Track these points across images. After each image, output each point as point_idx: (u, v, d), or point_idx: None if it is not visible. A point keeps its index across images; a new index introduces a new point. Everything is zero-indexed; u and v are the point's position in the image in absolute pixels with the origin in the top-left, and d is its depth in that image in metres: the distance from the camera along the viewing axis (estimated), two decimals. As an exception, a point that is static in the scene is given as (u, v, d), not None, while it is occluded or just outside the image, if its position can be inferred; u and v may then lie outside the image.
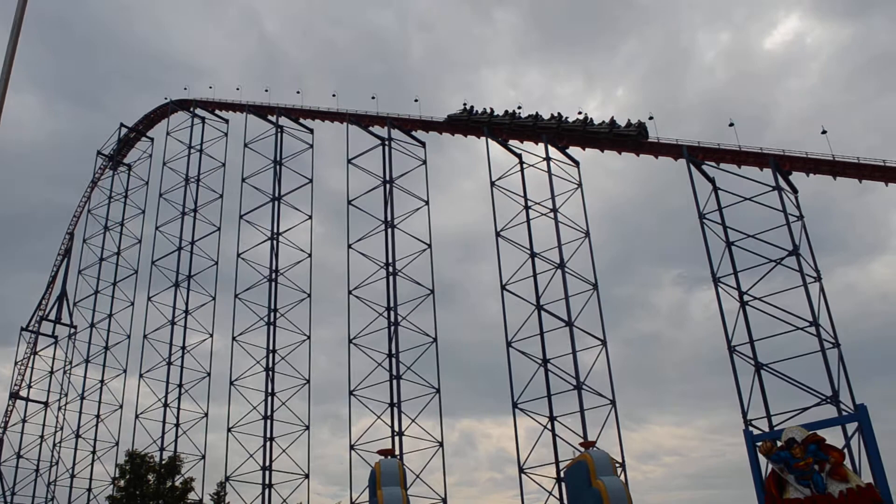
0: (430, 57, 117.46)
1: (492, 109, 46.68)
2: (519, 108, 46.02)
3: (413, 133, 50.54)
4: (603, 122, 42.55)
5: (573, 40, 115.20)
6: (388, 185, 48.39)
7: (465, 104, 47.78)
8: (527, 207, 44.71)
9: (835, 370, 31.51)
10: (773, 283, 35.54)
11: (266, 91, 60.13)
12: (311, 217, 53.91)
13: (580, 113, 44.15)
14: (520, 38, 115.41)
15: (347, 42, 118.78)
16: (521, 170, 45.92)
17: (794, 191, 37.17)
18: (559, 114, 44.41)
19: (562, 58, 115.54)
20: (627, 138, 41.26)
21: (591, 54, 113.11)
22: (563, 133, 42.92)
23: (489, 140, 45.97)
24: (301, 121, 56.56)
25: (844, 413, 30.30)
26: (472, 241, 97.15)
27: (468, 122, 46.39)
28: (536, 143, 45.10)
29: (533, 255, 42.93)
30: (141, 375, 53.54)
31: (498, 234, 43.15)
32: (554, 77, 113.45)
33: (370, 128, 51.54)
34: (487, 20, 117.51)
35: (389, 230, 47.00)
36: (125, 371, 58.03)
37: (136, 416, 52.77)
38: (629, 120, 41.74)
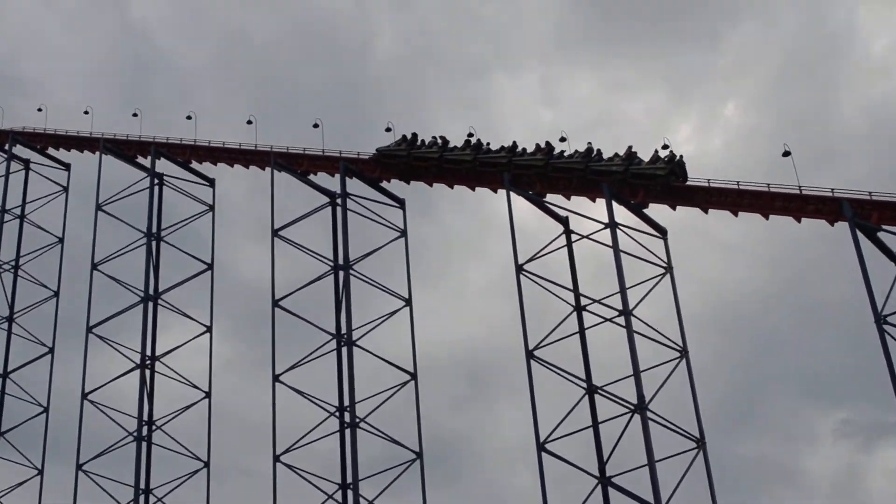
0: (407, 55, 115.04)
1: (443, 139, 48.46)
2: (563, 139, 46.50)
3: (383, 184, 51.02)
4: (616, 154, 44.28)
5: (646, 25, 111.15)
6: (341, 274, 48.44)
7: (406, 135, 49.58)
8: (579, 309, 45.05)
9: None
10: None
11: (135, 116, 58.15)
12: (209, 329, 53.71)
13: (665, 147, 44.39)
14: (559, 22, 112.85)
15: (269, 34, 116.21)
16: (569, 244, 46.57)
17: None
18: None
19: (629, 54, 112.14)
20: (653, 180, 43.02)
21: (678, 48, 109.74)
22: (627, 179, 44.42)
23: (511, 193, 46.36)
24: (194, 165, 56.69)
25: None
26: (486, 368, 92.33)
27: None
28: (594, 200, 45.64)
29: (591, 391, 42.98)
30: None
31: (530, 355, 43.04)
32: (616, 86, 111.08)
33: (310, 175, 51.80)
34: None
35: (344, 349, 46.81)
36: None
37: None
38: (656, 152, 43.48)
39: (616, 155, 44.25)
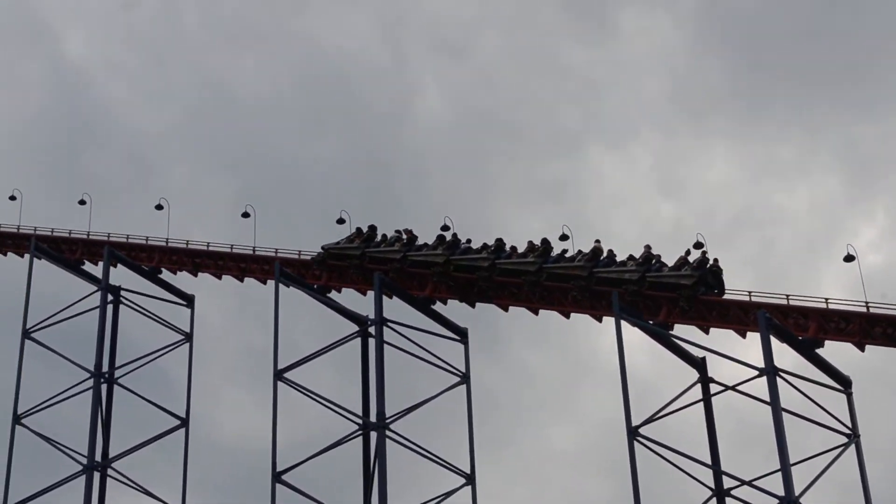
0: (461, 122, 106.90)
1: (409, 234, 45.04)
2: (698, 245, 40.92)
3: (434, 307, 45.13)
4: (630, 256, 41.42)
5: (810, 80, 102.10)
6: (373, 436, 42.99)
7: (361, 227, 45.69)
8: (722, 493, 40.03)
9: None
10: None
11: (82, 203, 52.86)
12: (183, 513, 48.47)
13: (850, 258, 39.03)
14: (681, 77, 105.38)
15: (264, 89, 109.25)
16: (706, 398, 41.65)
17: None
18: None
19: (784, 121, 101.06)
20: (678, 291, 39.56)
21: (858, 114, 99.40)
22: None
23: (624, 323, 40.34)
24: (164, 275, 51.01)
25: None
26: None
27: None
28: (743, 335, 39.31)
29: None
30: None
31: (653, 570, 38.07)
32: (767, 169, 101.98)
33: (331, 293, 46.63)
34: (603, 25, 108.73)
35: (378, 549, 41.80)
36: None
37: None
38: (688, 252, 40.70)
39: (630, 258, 40.81)
